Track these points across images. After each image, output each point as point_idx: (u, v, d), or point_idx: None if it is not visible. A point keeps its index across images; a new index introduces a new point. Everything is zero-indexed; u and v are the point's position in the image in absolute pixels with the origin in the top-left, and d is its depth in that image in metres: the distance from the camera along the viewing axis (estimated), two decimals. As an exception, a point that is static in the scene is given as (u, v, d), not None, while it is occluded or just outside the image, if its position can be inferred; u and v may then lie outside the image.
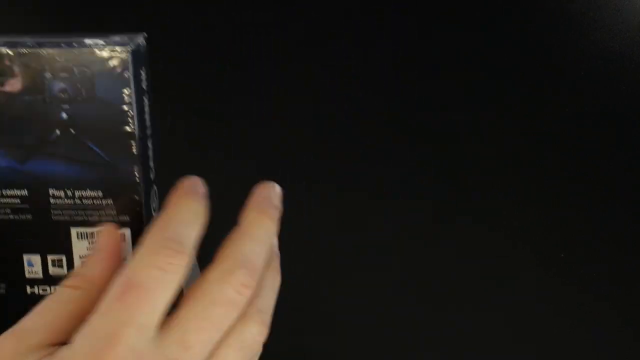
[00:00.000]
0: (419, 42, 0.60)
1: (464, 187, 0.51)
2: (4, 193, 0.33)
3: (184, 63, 0.60)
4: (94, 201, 0.33)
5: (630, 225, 0.49)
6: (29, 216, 0.33)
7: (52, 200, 0.33)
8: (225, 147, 0.54)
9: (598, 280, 0.47)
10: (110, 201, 0.33)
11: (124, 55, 0.32)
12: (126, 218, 0.33)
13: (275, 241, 0.31)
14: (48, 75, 0.32)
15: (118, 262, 0.31)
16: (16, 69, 0.32)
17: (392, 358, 0.45)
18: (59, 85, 0.32)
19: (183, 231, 0.29)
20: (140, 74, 0.33)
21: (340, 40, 0.60)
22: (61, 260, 0.34)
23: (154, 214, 0.34)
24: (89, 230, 0.33)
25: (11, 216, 0.33)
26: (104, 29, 0.61)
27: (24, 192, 0.33)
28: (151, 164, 0.34)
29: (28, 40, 0.32)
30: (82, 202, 0.33)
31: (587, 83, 0.56)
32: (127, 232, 0.33)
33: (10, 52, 0.32)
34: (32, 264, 0.34)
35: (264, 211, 0.31)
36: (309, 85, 0.56)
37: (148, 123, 0.34)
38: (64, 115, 0.32)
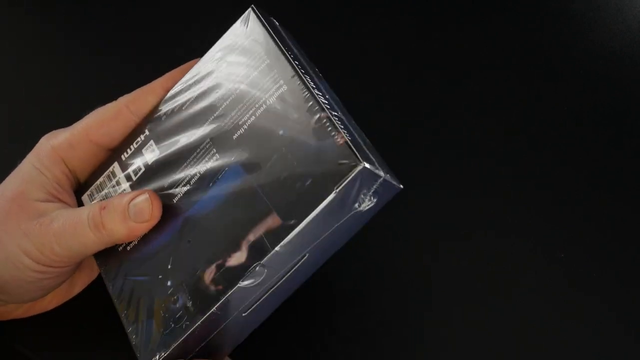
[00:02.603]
0: (415, 42, 0.60)
1: (463, 188, 0.51)
2: None
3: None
4: None
5: (630, 225, 0.49)
6: None
7: None
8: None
9: (598, 280, 0.47)
10: None
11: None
12: None
13: None
14: None
15: None
16: None
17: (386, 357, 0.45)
18: None
19: None
20: None
21: (335, 36, 0.60)
22: None
23: None
24: None
25: None
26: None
27: None
28: None
29: None
30: None
31: (587, 83, 0.56)
32: None
33: None
34: None
35: None
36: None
37: None
38: None
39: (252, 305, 0.36)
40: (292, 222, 0.34)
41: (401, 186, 0.36)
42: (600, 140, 0.53)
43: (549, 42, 0.59)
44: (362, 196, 0.34)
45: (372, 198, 0.35)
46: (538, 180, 0.51)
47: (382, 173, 0.34)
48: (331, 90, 0.41)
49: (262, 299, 0.36)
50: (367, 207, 0.35)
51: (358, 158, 0.33)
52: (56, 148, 0.41)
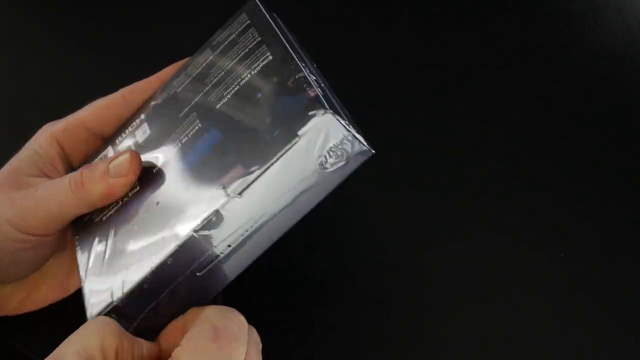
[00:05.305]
0: (415, 42, 0.60)
1: (463, 188, 0.51)
2: None
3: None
4: None
5: (630, 225, 0.49)
6: None
7: None
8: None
9: (598, 280, 0.47)
10: None
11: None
12: None
13: None
14: None
15: None
16: None
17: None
18: None
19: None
20: None
21: (335, 36, 0.60)
22: None
23: None
24: None
25: None
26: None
27: None
28: None
29: None
30: None
31: (587, 83, 0.56)
32: None
33: None
34: None
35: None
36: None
37: None
38: None
39: (208, 265, 0.36)
40: (254, 169, 0.34)
41: (373, 151, 0.35)
42: (600, 140, 0.53)
43: (549, 42, 0.59)
44: (328, 152, 0.34)
45: (339, 157, 0.34)
46: (538, 180, 0.51)
47: (350, 129, 0.34)
48: (323, 77, 0.41)
49: (218, 259, 0.36)
50: (333, 168, 0.34)
51: (325, 107, 0.33)
52: (53, 132, 0.43)
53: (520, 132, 0.54)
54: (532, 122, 0.54)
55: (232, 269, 0.37)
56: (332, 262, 0.48)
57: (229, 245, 0.35)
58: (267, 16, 0.41)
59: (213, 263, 0.36)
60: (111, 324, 0.34)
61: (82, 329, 0.34)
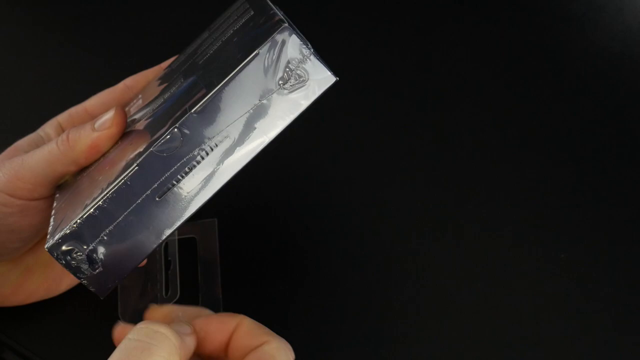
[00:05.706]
0: (415, 42, 0.60)
1: (464, 188, 0.51)
2: None
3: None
4: None
5: (631, 226, 0.49)
6: None
7: None
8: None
9: (598, 281, 0.47)
10: None
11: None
12: None
13: None
14: None
15: None
16: None
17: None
18: None
19: None
20: None
21: (335, 36, 0.60)
22: None
23: None
24: None
25: None
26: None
27: None
28: None
29: None
30: None
31: (587, 83, 0.56)
32: None
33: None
34: None
35: None
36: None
37: None
38: None
39: (168, 190, 0.35)
40: (213, 85, 0.34)
41: (336, 77, 0.34)
42: (600, 140, 0.53)
43: (549, 42, 0.59)
44: (287, 71, 0.34)
45: (299, 78, 0.34)
46: (538, 180, 0.51)
47: (312, 50, 0.33)
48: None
49: (178, 184, 0.35)
50: (294, 89, 0.34)
51: (285, 22, 0.33)
52: (59, 119, 0.45)
53: (521, 132, 0.54)
54: (532, 123, 0.54)
55: (192, 200, 0.36)
56: (330, 262, 0.48)
57: (189, 169, 0.35)
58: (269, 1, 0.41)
59: (173, 187, 0.35)
60: (172, 339, 0.33)
61: (145, 353, 0.32)
